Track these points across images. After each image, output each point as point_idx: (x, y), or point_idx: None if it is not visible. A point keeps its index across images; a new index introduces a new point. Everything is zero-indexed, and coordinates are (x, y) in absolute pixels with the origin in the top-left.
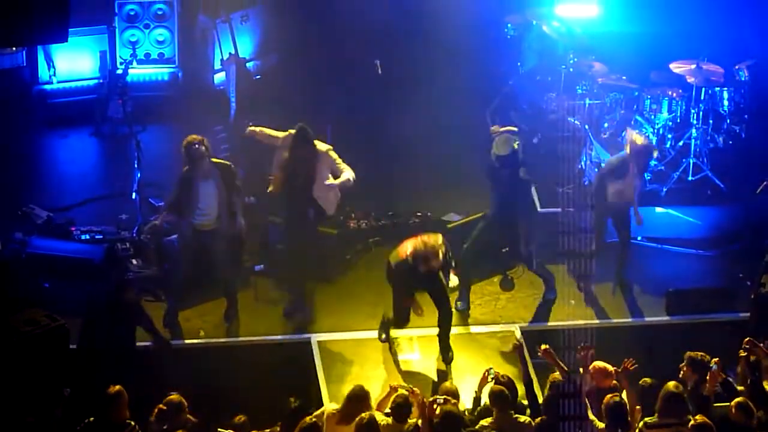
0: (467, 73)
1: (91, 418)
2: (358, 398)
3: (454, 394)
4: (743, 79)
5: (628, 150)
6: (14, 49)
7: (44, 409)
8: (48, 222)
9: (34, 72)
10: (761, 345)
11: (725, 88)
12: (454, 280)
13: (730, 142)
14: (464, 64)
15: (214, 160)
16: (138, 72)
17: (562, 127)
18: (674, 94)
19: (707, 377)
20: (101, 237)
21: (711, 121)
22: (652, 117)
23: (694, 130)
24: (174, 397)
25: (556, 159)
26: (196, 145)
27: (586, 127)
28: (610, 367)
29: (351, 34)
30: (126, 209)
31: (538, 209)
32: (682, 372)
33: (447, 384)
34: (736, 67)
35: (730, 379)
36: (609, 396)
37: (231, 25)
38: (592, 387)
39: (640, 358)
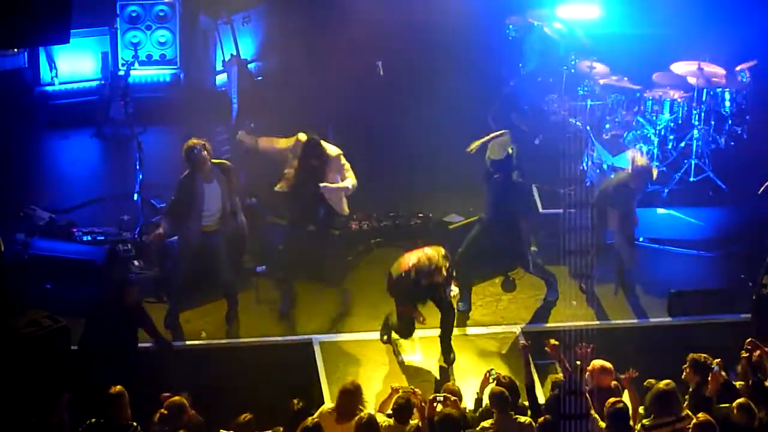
0: (468, 74)
1: (93, 419)
2: (350, 393)
3: (456, 395)
4: (745, 80)
5: (630, 170)
6: (16, 50)
7: (47, 410)
8: (50, 223)
9: (35, 73)
10: (763, 346)
11: (727, 89)
12: (454, 290)
13: (732, 143)
14: (465, 65)
15: (213, 160)
16: (140, 73)
17: (563, 129)
18: (676, 95)
19: (709, 378)
20: (103, 238)
21: (713, 122)
22: (654, 118)
23: (695, 131)
24: (175, 398)
25: (558, 160)
26: (197, 150)
27: (588, 128)
28: (609, 365)
29: (353, 35)
30: (128, 210)
31: (540, 210)
32: (684, 373)
33: (449, 385)
34: (738, 68)
35: (732, 381)
36: (612, 401)
37: (233, 26)
38: (593, 386)
39: (641, 359)
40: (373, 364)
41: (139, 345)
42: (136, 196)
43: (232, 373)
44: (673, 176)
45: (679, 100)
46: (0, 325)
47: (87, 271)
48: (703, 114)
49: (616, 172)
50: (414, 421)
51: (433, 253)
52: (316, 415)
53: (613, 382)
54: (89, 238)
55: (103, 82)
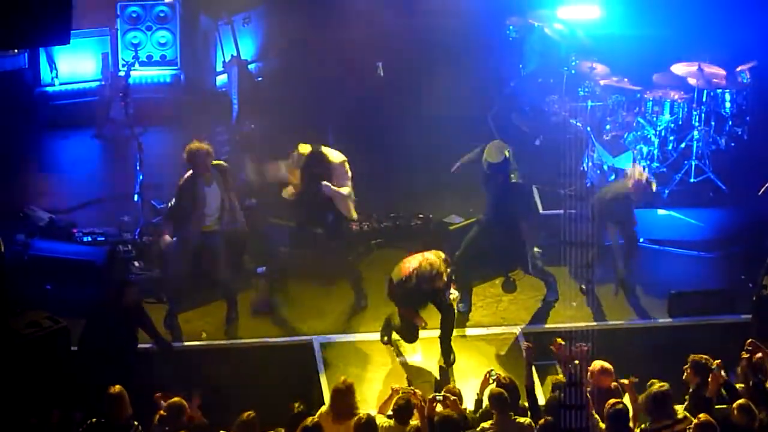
0: (469, 75)
1: (94, 419)
2: (342, 392)
3: (457, 396)
4: (745, 81)
5: (629, 185)
6: (16, 51)
7: (47, 410)
8: (50, 224)
9: (36, 74)
10: (763, 347)
11: (727, 90)
12: (453, 293)
13: (732, 144)
14: (466, 66)
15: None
16: (140, 74)
17: (564, 129)
18: (676, 96)
19: (709, 379)
20: (103, 239)
21: (713, 123)
22: (654, 119)
23: (696, 132)
24: (175, 399)
25: (558, 161)
26: (202, 155)
27: (588, 129)
28: (609, 366)
29: (353, 35)
30: (128, 211)
31: (540, 211)
32: (685, 374)
33: (449, 386)
34: (739, 69)
35: (732, 381)
36: (611, 402)
37: (233, 26)
38: (593, 386)
39: (641, 359)
40: (373, 365)
41: (140, 346)
42: (136, 197)
43: (232, 374)
44: (673, 177)
45: (679, 101)
46: (0, 325)
47: (87, 271)
48: (703, 115)
49: (616, 173)
50: (415, 422)
51: (433, 258)
52: (316, 416)
53: (613, 383)
54: (89, 238)
55: (103, 82)
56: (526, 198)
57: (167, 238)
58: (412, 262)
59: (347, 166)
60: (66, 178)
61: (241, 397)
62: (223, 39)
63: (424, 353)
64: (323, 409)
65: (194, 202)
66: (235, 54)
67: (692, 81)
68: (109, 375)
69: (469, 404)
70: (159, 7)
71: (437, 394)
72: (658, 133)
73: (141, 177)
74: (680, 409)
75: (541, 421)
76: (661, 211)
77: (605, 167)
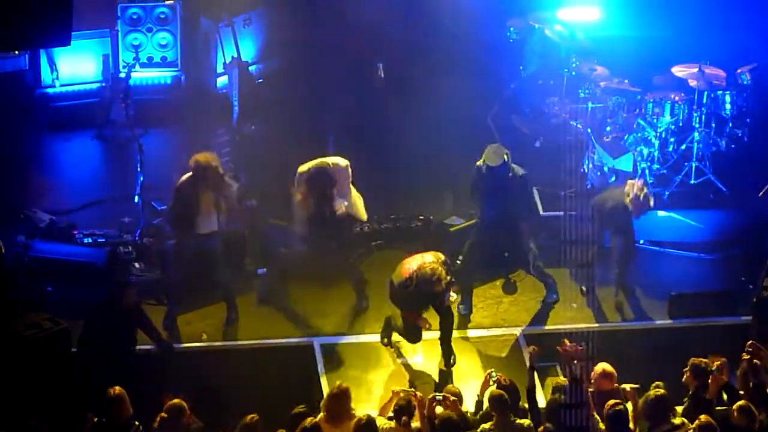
0: (469, 76)
1: (95, 420)
2: (337, 396)
3: (457, 396)
4: (746, 82)
5: (627, 201)
6: (17, 52)
7: (47, 412)
8: (50, 225)
9: (36, 75)
10: (763, 348)
11: (728, 92)
12: (453, 296)
13: (733, 146)
14: (466, 67)
15: None
16: (140, 75)
17: (564, 131)
18: (677, 98)
19: (709, 381)
20: (104, 240)
21: (713, 125)
22: (655, 120)
23: (696, 134)
24: (175, 402)
25: (559, 163)
26: (208, 168)
27: (589, 130)
28: (611, 370)
29: (353, 37)
30: (128, 212)
31: (541, 213)
32: (685, 377)
33: (450, 387)
34: (739, 70)
35: (732, 383)
36: (611, 402)
37: (234, 28)
38: (594, 389)
39: (642, 361)
40: (373, 366)
41: (140, 347)
42: (136, 199)
43: (233, 375)
44: (673, 179)
45: (679, 102)
46: (1, 327)
47: (88, 273)
48: (703, 116)
49: (616, 174)
50: (415, 424)
51: (434, 262)
52: (317, 418)
53: (615, 385)
54: (90, 240)
55: (104, 84)
56: (527, 199)
57: (173, 241)
58: (412, 264)
59: (349, 170)
60: (66, 180)
61: (242, 399)
62: (224, 40)
63: (424, 355)
64: (320, 415)
65: (193, 205)
66: (235, 55)
67: (692, 83)
68: (108, 376)
69: (469, 406)
70: (159, 8)
71: (437, 393)
72: (658, 134)
73: (141, 178)
74: (679, 411)
75: (541, 428)
76: (661, 213)
77: (605, 169)
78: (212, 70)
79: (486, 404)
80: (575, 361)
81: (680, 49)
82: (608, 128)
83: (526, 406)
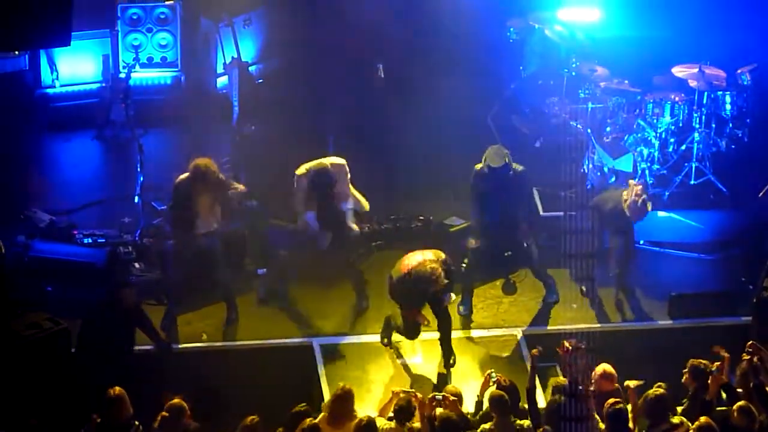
0: (469, 77)
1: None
2: (341, 398)
3: (457, 397)
4: (746, 83)
5: (625, 207)
6: (17, 52)
7: (47, 412)
8: (50, 225)
9: (36, 76)
10: (764, 349)
11: (728, 92)
12: (452, 297)
13: (733, 146)
14: (466, 68)
15: None
16: (140, 76)
17: (564, 131)
18: (677, 98)
19: (708, 382)
20: (104, 240)
21: (713, 125)
22: (655, 121)
23: (696, 134)
24: (176, 401)
25: (559, 163)
26: (207, 174)
27: (589, 131)
28: (611, 371)
29: (353, 37)
30: (128, 213)
31: (541, 213)
32: (684, 377)
33: (450, 387)
34: (739, 71)
35: (732, 383)
36: (611, 401)
37: (234, 28)
38: (594, 389)
39: (642, 361)
40: (373, 366)
41: (140, 347)
42: (136, 199)
43: (233, 375)
44: (673, 179)
45: (679, 103)
46: (1, 327)
47: (88, 273)
48: (703, 117)
49: (616, 175)
50: (415, 425)
51: (434, 261)
52: (317, 419)
53: (615, 385)
54: (90, 240)
55: (103, 84)
56: (527, 198)
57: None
58: (412, 260)
59: (347, 168)
60: (66, 180)
61: (241, 399)
62: (224, 41)
63: (424, 355)
64: (322, 415)
65: (192, 206)
66: (235, 56)
67: (693, 83)
68: (109, 376)
69: (469, 406)
70: (159, 8)
71: (437, 394)
72: (658, 135)
73: (141, 178)
74: (679, 412)
75: (540, 430)
76: (661, 213)
77: (605, 169)
78: (212, 71)
79: (486, 405)
80: (576, 362)
81: (680, 50)
82: (608, 129)
83: (526, 406)
